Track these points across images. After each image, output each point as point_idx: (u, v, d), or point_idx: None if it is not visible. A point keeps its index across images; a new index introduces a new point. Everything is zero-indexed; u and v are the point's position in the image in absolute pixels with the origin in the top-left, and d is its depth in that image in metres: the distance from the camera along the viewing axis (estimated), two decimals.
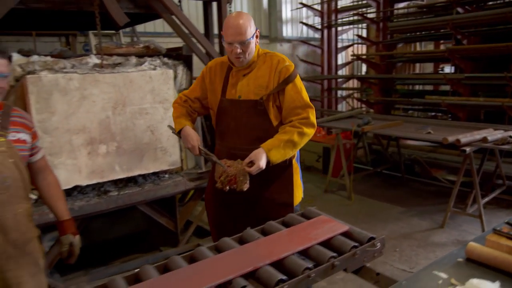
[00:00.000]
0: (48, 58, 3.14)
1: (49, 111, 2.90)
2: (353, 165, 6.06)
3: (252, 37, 2.12)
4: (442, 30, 6.94)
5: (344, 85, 9.31)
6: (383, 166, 6.68)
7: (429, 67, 10.13)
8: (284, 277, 1.41)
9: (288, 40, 9.04)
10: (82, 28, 6.20)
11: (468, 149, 4.08)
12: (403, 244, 4.17)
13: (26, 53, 3.28)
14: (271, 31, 8.94)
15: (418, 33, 7.42)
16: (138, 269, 1.58)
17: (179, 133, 2.31)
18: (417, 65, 9.78)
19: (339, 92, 9.44)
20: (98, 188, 3.34)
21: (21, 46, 5.12)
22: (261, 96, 2.19)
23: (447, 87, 7.40)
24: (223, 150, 2.32)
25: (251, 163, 2.08)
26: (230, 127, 2.29)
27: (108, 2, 3.07)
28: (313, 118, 2.20)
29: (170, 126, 2.41)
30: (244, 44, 2.10)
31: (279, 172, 2.29)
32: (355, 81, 9.64)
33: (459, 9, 5.87)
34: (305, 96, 2.23)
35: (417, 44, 9.49)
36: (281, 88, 2.19)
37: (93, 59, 3.15)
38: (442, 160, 6.32)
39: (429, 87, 9.04)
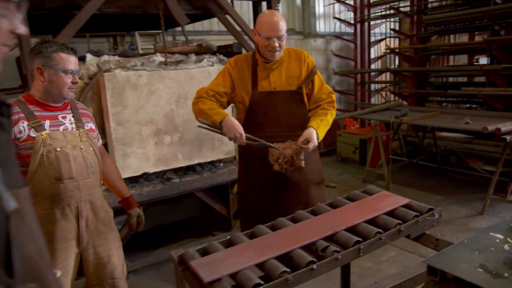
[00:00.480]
0: (116, 58, 3.47)
1: (122, 105, 3.23)
2: (389, 157, 6.23)
3: (286, 32, 2.39)
4: (477, 22, 6.97)
5: (377, 79, 9.42)
6: (419, 157, 6.80)
7: (463, 59, 10.09)
8: (359, 239, 1.66)
9: (322, 36, 9.21)
10: (129, 29, 6.56)
11: (508, 137, 4.20)
12: (443, 229, 4.33)
13: (95, 53, 3.62)
14: (304, 27, 9.13)
15: (452, 26, 7.45)
16: (229, 236, 1.86)
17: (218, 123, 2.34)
18: (451, 57, 9.77)
19: (372, 86, 9.55)
20: (162, 176, 3.67)
21: (76, 47, 5.51)
22: (298, 86, 2.48)
23: (481, 79, 7.43)
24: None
25: (306, 141, 2.33)
26: (269, 117, 2.47)
27: (171, 5, 3.37)
28: (335, 100, 2.56)
29: (201, 120, 2.39)
30: (281, 38, 2.36)
31: (309, 155, 2.52)
32: (388, 74, 9.72)
33: (497, 0, 5.92)
34: (326, 83, 2.59)
35: (451, 36, 9.48)
36: (311, 78, 2.51)
37: (159, 57, 3.47)
38: (478, 150, 6.41)
39: (462, 79, 9.03)
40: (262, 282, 1.45)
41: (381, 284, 1.60)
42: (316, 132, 2.37)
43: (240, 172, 2.73)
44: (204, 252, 1.76)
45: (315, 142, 2.35)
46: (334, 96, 2.58)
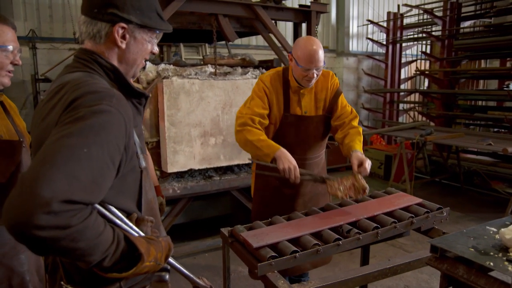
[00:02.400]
0: (172, 66, 3.96)
1: (176, 108, 3.70)
2: (413, 174, 6.50)
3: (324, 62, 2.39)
4: (508, 49, 7.19)
5: (405, 99, 9.69)
6: (442, 175, 7.04)
7: (493, 84, 10.25)
8: (378, 225, 2.04)
9: (354, 55, 9.59)
10: (176, 40, 7.13)
11: None
12: None
13: (152, 61, 4.13)
14: (338, 45, 9.54)
15: (483, 51, 7.68)
16: (270, 219, 2.26)
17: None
18: (481, 81, 9.95)
19: (401, 105, 9.83)
20: (204, 173, 4.12)
21: None
22: (326, 109, 2.55)
23: (511, 104, 7.64)
24: None
25: (360, 164, 2.33)
26: (299, 139, 2.53)
27: (223, 23, 3.85)
28: (357, 115, 2.64)
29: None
30: (319, 69, 2.37)
31: (322, 169, 2.75)
32: (417, 94, 9.98)
33: None
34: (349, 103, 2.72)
35: (482, 61, 9.68)
36: (337, 98, 2.58)
37: (210, 68, 3.94)
38: (503, 173, 6.60)
39: (492, 103, 9.20)
40: (298, 250, 1.85)
41: (393, 261, 1.96)
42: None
43: (257, 181, 2.77)
44: (250, 229, 2.18)
45: (369, 162, 2.35)
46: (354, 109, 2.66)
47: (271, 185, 2.65)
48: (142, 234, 1.22)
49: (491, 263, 1.55)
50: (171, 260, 1.32)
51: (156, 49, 1.37)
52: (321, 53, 2.34)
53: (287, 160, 2.23)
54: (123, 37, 1.26)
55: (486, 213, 5.60)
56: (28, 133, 1.71)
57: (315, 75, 2.37)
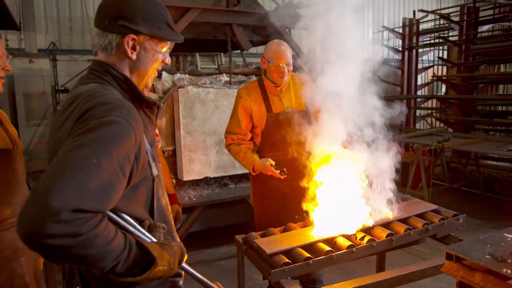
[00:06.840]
0: (188, 76, 4.02)
1: (191, 117, 3.75)
2: (431, 181, 6.40)
3: (293, 59, 2.63)
4: None
5: (422, 105, 9.58)
6: (461, 182, 6.92)
7: None
8: (392, 232, 2.03)
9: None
10: (192, 50, 7.23)
11: None
12: None
13: (168, 71, 4.20)
14: None
15: (502, 55, 7.56)
16: (285, 225, 2.27)
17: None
18: (500, 86, 9.78)
19: (418, 111, 9.72)
20: (219, 181, 4.14)
21: None
22: (306, 105, 2.67)
23: None
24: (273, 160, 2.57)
25: None
26: (284, 136, 2.62)
27: (237, 33, 3.89)
28: None
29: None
30: (289, 65, 2.58)
31: None
32: (434, 100, 9.86)
33: None
34: None
35: (501, 65, 9.52)
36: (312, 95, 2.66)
37: (225, 77, 3.99)
38: None
39: None
40: (311, 256, 1.85)
41: (408, 268, 1.94)
42: None
43: (255, 186, 2.85)
44: (263, 236, 2.19)
45: None
46: None
47: (268, 185, 2.73)
48: (154, 240, 1.24)
49: (509, 271, 1.53)
50: (184, 265, 1.33)
51: (168, 60, 1.39)
52: (288, 52, 2.59)
53: (263, 168, 2.54)
54: (133, 48, 1.29)
55: (508, 221, 5.47)
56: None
57: (286, 70, 2.56)
